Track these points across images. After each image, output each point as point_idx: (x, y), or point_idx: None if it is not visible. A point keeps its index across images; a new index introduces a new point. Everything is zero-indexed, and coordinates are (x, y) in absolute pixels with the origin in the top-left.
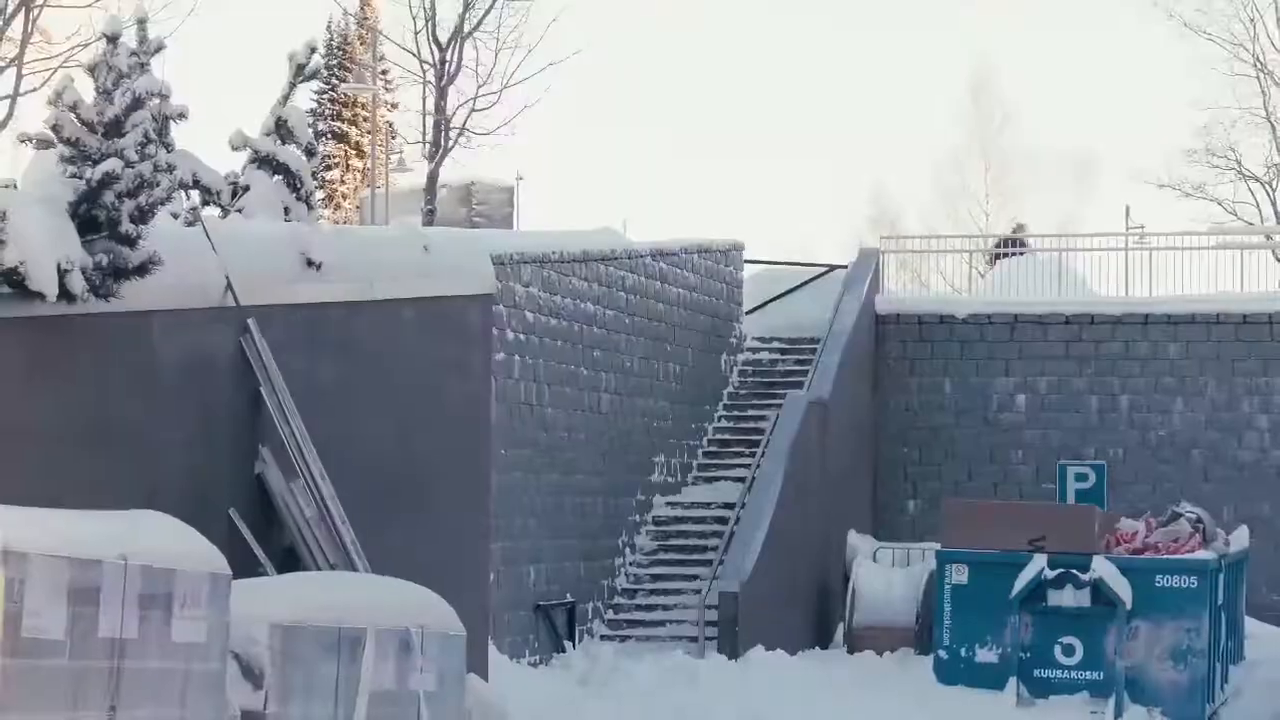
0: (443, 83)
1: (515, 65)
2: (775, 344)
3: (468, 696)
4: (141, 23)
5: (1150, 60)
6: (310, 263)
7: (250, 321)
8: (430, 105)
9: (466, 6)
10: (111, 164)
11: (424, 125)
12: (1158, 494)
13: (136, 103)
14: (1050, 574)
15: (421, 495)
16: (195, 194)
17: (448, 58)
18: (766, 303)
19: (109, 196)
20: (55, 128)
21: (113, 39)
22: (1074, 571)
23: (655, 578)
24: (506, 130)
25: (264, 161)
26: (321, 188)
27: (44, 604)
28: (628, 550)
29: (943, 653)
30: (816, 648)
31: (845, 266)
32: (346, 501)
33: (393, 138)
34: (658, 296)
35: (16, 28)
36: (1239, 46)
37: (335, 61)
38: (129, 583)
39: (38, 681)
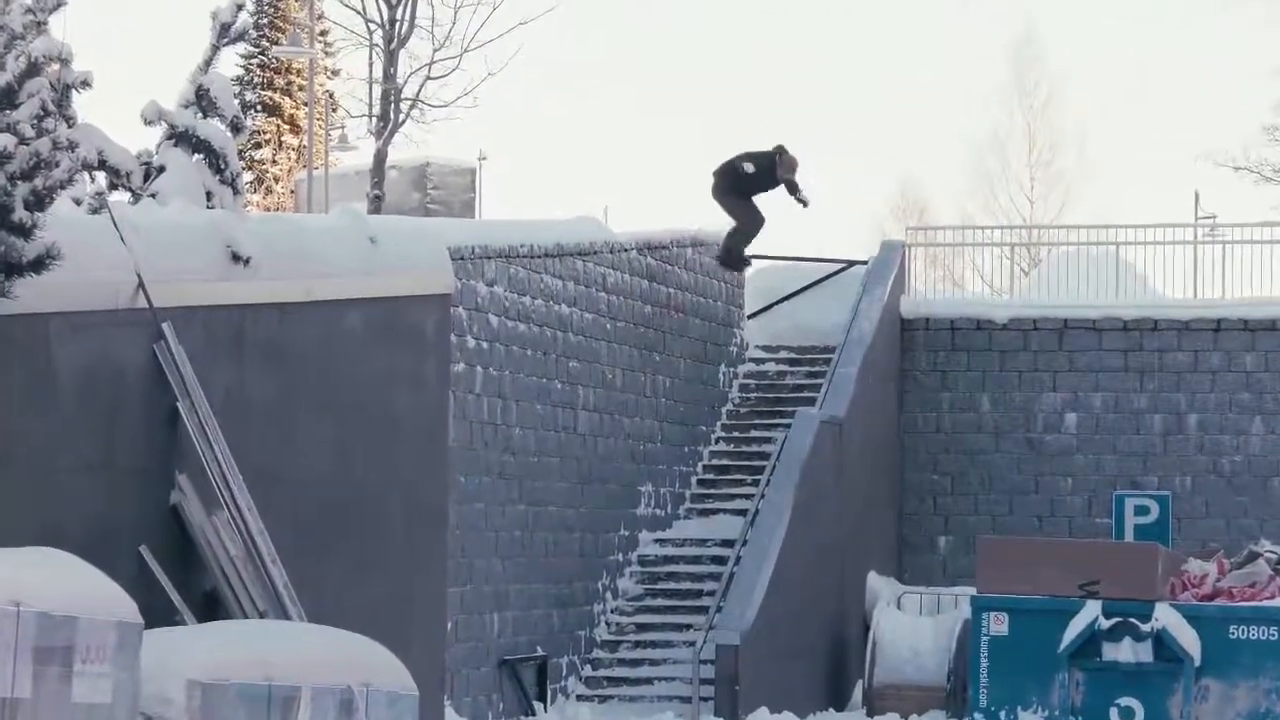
0: (392, 46)
1: (478, 25)
2: (783, 353)
3: None
4: None
5: (1222, 23)
6: (236, 257)
7: (165, 326)
8: (377, 72)
9: None
10: (2, 140)
11: (370, 96)
12: (1232, 530)
13: (32, 68)
14: (1105, 624)
15: (367, 530)
16: (101, 176)
17: (398, 16)
18: (773, 305)
19: None
20: None
21: None
22: (1133, 621)
23: (641, 627)
24: (467, 102)
25: (182, 138)
26: (249, 168)
27: None
28: (609, 595)
29: (980, 716)
30: (831, 710)
31: (865, 262)
32: (278, 537)
33: (333, 110)
34: (645, 297)
35: None
36: None
37: (266, 20)
38: (22, 633)
39: None
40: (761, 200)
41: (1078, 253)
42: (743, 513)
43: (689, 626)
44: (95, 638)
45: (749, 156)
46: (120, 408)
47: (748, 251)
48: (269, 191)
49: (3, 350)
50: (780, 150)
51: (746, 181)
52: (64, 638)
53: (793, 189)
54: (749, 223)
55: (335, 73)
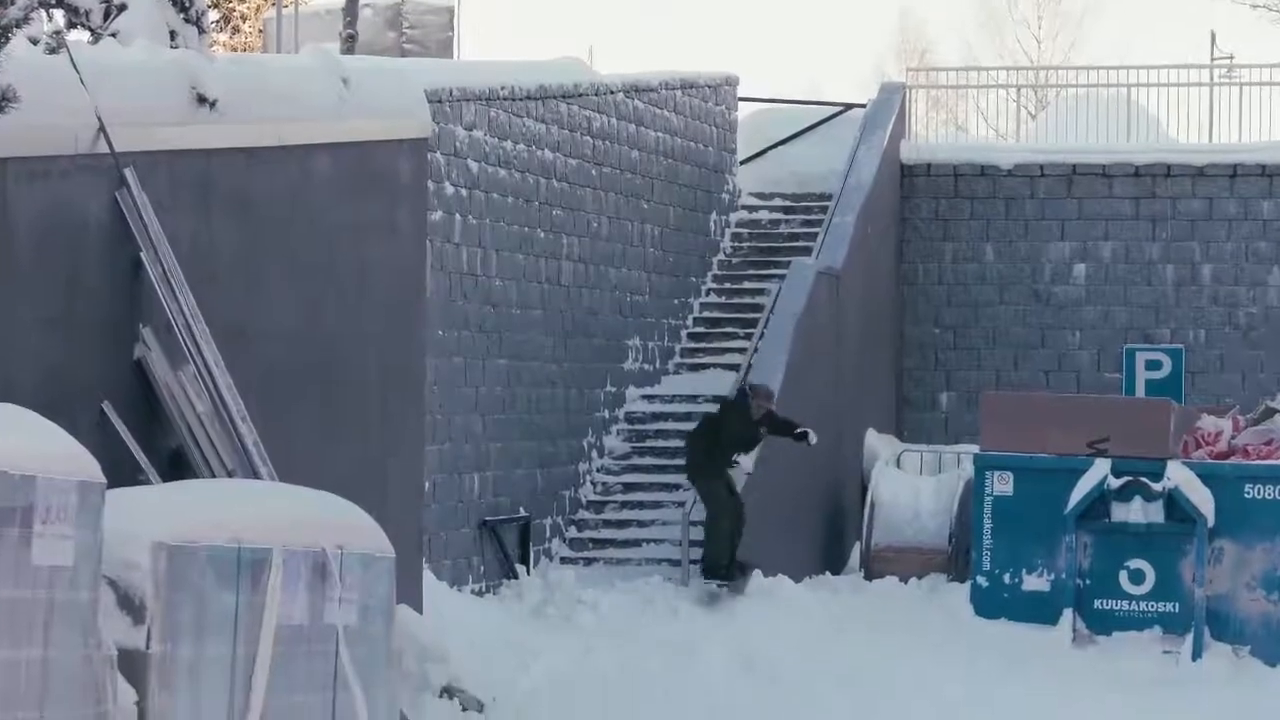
0: None
1: None
2: (777, 201)
3: (397, 632)
4: None
5: None
6: (202, 99)
7: (128, 172)
8: None
9: None
10: None
11: None
12: (1247, 385)
13: None
14: (1115, 483)
15: (340, 387)
16: (59, 14)
17: None
18: (766, 150)
19: None
20: None
21: None
22: (1144, 480)
23: (628, 487)
24: None
25: None
26: (215, 6)
27: None
28: (594, 454)
29: (982, 580)
30: (827, 573)
31: (864, 105)
32: (246, 395)
33: None
34: (632, 142)
35: None
36: None
37: None
38: None
39: None
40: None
41: (1087, 95)
42: (735, 368)
43: (678, 487)
44: (55, 498)
45: (719, 415)
46: (81, 258)
47: (740, 558)
48: (236, 31)
49: None
50: (749, 388)
51: (726, 442)
52: (22, 498)
53: (789, 430)
54: (734, 515)
55: None
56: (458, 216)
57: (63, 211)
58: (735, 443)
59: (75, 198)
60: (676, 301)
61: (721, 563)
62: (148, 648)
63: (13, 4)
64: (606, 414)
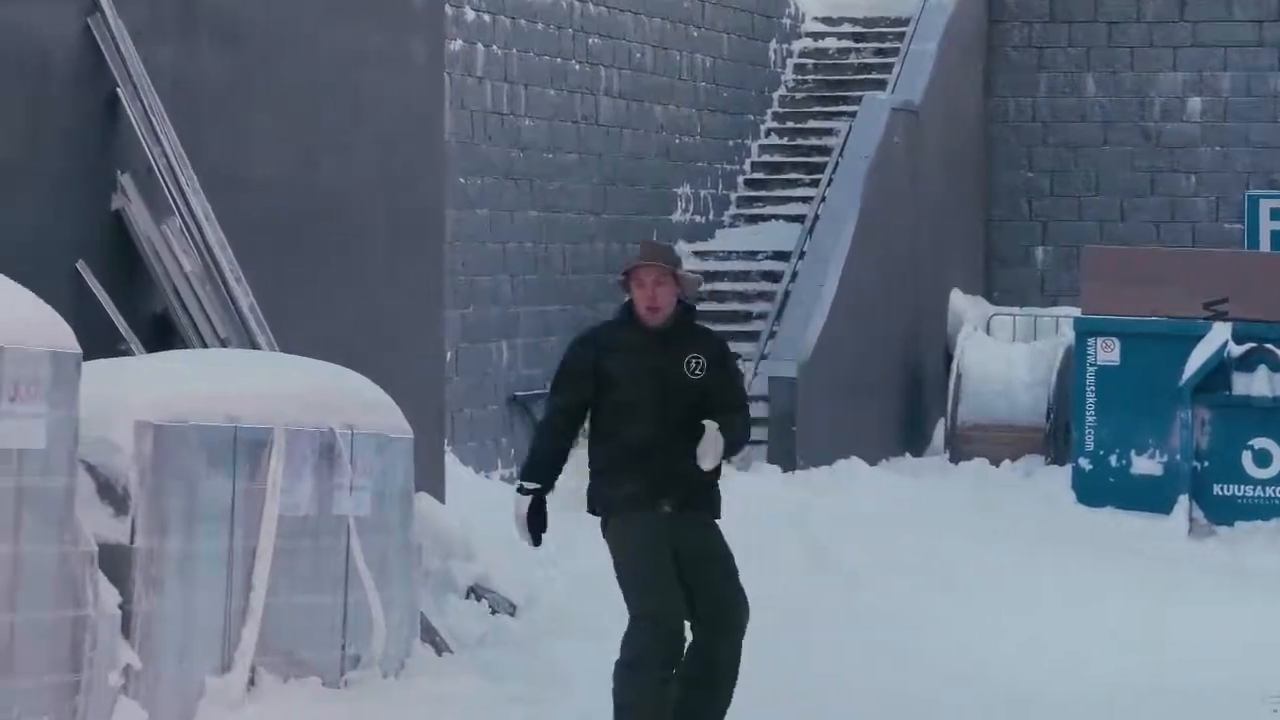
0: None
1: None
2: (845, 26)
3: (416, 524)
4: None
5: None
6: None
7: None
8: None
9: None
10: None
11: None
12: None
13: None
14: (1236, 351)
15: (347, 243)
16: None
17: None
18: None
19: None
20: None
21: None
22: (1269, 347)
23: None
24: None
25: None
26: None
27: None
28: None
29: (1084, 462)
30: (907, 455)
31: None
32: (240, 252)
33: None
34: None
35: None
36: None
37: None
38: None
39: None
40: None
41: None
42: (799, 219)
43: (736, 356)
44: (24, 371)
45: None
46: (47, 95)
47: None
48: None
49: None
50: None
51: None
52: None
53: None
54: None
55: None
56: (480, 46)
57: (26, 40)
58: None
59: (40, 24)
60: (731, 143)
61: None
62: (132, 542)
63: None
64: None
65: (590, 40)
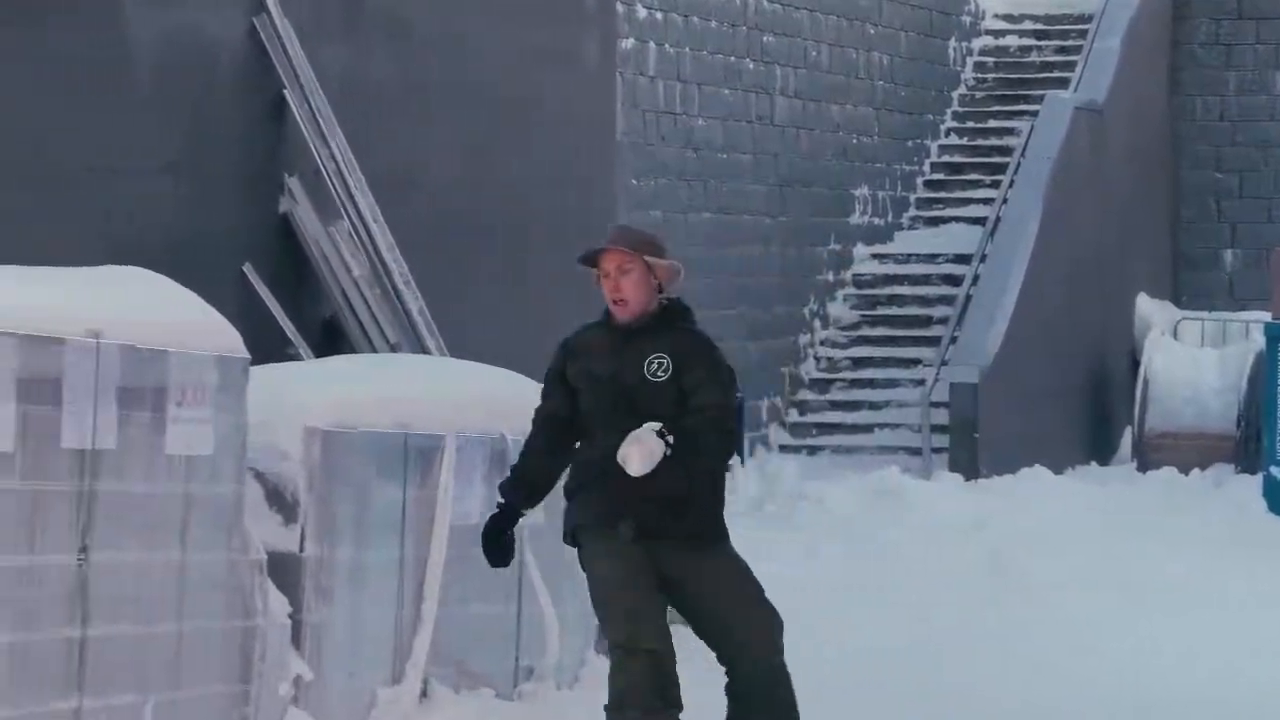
0: None
1: None
2: (1027, 24)
3: None
4: None
5: None
6: None
7: None
8: None
9: None
10: None
11: None
12: None
13: None
14: None
15: (520, 246)
16: None
17: None
18: None
19: None
20: None
21: None
22: None
23: (857, 363)
24: None
25: None
26: None
27: None
28: (817, 324)
29: (1276, 471)
30: (1093, 463)
31: None
32: (409, 255)
33: None
34: None
35: None
36: None
37: None
38: (103, 371)
39: None
40: None
41: None
42: (980, 221)
43: (917, 362)
44: (191, 376)
45: None
46: (212, 97)
47: None
48: None
49: (55, 19)
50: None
51: None
52: (154, 376)
53: None
54: None
55: None
56: (652, 44)
57: (190, 40)
58: None
59: (205, 24)
60: (910, 144)
61: None
62: (302, 550)
63: None
64: (830, 276)
65: (765, 38)
